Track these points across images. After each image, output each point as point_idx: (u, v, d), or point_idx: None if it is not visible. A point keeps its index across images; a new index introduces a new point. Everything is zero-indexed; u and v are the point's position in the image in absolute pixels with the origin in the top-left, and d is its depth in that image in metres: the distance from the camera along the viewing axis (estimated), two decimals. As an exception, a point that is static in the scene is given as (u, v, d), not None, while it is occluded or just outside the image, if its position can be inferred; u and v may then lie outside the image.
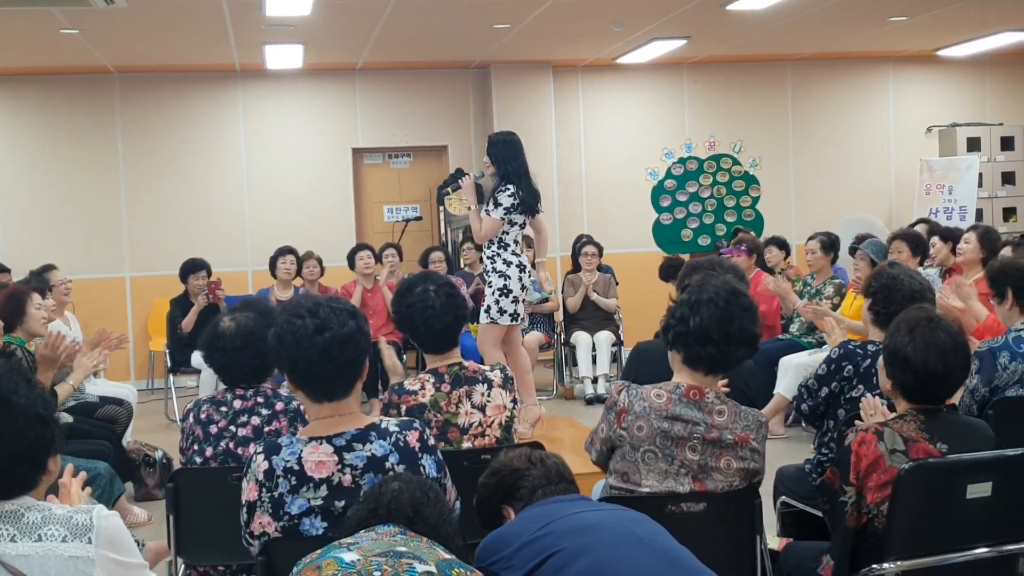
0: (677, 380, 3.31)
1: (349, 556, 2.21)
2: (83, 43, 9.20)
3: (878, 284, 4.25)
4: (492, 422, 3.84)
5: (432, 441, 3.02)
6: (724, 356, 3.27)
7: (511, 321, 6.68)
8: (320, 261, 9.51)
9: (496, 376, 3.89)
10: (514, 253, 6.63)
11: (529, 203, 6.56)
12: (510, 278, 6.60)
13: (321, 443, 2.85)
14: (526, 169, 6.61)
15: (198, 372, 8.83)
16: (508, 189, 6.50)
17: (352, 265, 9.43)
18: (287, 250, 9.31)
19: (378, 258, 9.65)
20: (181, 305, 9.09)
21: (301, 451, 2.85)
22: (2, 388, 2.30)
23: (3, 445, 2.27)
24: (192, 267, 9.15)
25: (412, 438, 2.93)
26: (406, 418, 3.12)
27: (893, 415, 3.38)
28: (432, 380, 3.81)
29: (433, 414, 3.75)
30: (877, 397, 3.71)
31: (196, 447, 3.75)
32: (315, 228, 11.10)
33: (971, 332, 5.33)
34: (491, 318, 6.66)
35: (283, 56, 10.23)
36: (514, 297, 6.61)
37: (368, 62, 10.96)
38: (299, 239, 10.08)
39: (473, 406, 3.81)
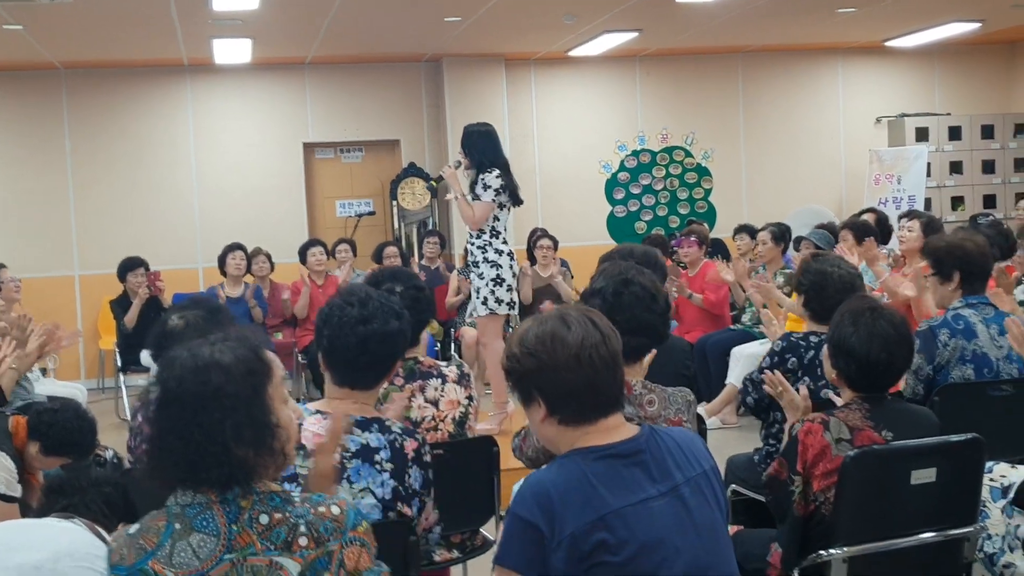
0: None
1: None
2: (28, 39, 9.07)
3: (808, 281, 4.29)
4: (445, 417, 3.85)
5: (428, 458, 3.02)
6: None
7: (508, 310, 6.73)
8: (269, 257, 9.45)
9: (451, 372, 3.91)
10: (504, 241, 6.67)
11: (512, 189, 6.59)
12: (502, 267, 6.65)
13: (325, 418, 2.89)
14: (505, 159, 6.65)
15: (148, 370, 8.73)
16: (493, 171, 6.53)
17: (304, 260, 9.37)
18: (236, 246, 9.24)
19: (331, 254, 9.61)
20: (121, 304, 9.01)
21: (304, 419, 2.90)
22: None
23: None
24: (129, 265, 9.06)
25: (409, 446, 2.97)
26: (412, 427, 3.16)
27: (835, 407, 3.42)
28: None
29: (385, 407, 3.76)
30: (779, 373, 3.71)
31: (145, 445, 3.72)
32: (266, 224, 11.00)
33: (923, 317, 5.39)
34: (490, 309, 6.69)
35: (231, 50, 10.14)
36: (508, 286, 6.66)
37: (318, 56, 10.89)
38: (250, 235, 9.99)
39: (426, 400, 3.83)
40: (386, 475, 2.89)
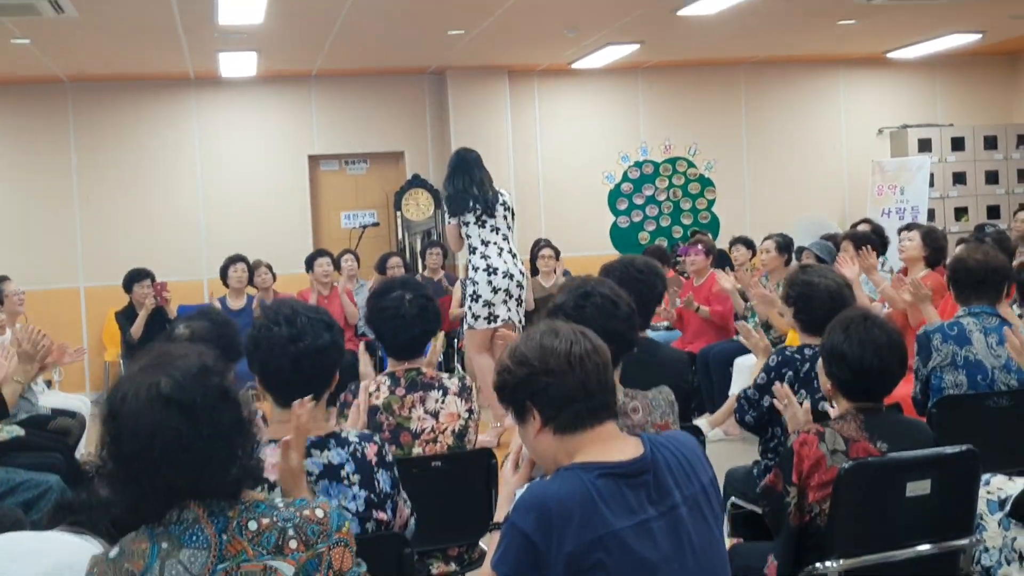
0: None
1: None
2: (35, 52, 9.12)
3: (795, 293, 4.29)
4: (445, 429, 3.86)
5: (390, 458, 3.01)
6: None
7: (487, 324, 6.89)
8: (271, 268, 9.46)
9: (453, 384, 3.92)
10: (483, 256, 6.83)
11: (463, 202, 6.86)
12: (478, 283, 6.88)
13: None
14: (469, 180, 6.91)
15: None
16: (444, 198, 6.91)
17: (310, 270, 9.42)
18: (237, 258, 9.25)
19: (336, 265, 9.65)
20: (127, 315, 9.03)
21: (259, 452, 2.86)
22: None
23: None
24: (136, 276, 9.08)
25: (370, 451, 2.94)
26: (367, 431, 3.11)
27: (831, 418, 3.44)
28: (388, 383, 3.84)
29: (385, 417, 3.78)
30: (786, 386, 3.73)
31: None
32: (272, 235, 11.04)
33: (918, 325, 5.42)
34: (468, 324, 6.98)
35: (237, 63, 10.19)
36: (485, 301, 6.85)
37: (323, 69, 10.94)
38: (255, 247, 10.04)
39: (426, 412, 3.83)
40: (356, 488, 2.87)
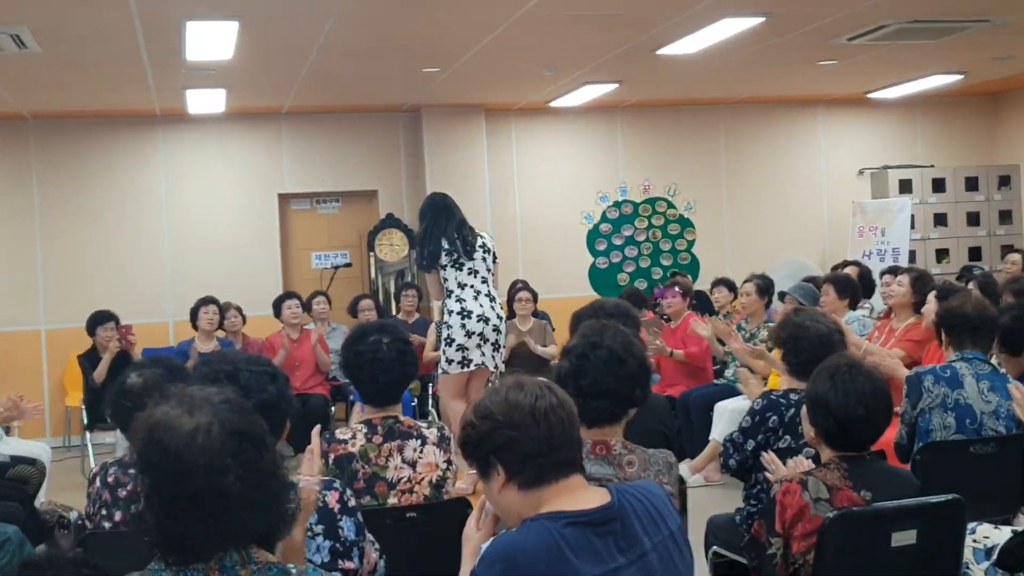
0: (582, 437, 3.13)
1: None
2: (-4, 88, 8.96)
3: (785, 334, 4.30)
4: (422, 479, 3.77)
5: (352, 503, 2.96)
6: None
7: (461, 368, 6.83)
8: (240, 310, 9.27)
9: (431, 434, 3.84)
10: (458, 300, 6.80)
11: (435, 255, 6.77)
12: (452, 327, 6.78)
13: None
14: (445, 226, 6.85)
15: (115, 428, 8.52)
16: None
17: (278, 314, 9.20)
18: (209, 300, 9.06)
19: (307, 307, 9.45)
20: (90, 359, 8.81)
21: None
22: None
23: None
24: (99, 319, 8.86)
25: (332, 499, 2.90)
26: (327, 478, 3.05)
27: (807, 469, 3.37)
28: (365, 431, 3.76)
29: (361, 465, 3.70)
30: (772, 453, 3.78)
31: (104, 512, 3.58)
32: (240, 276, 10.82)
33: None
34: (442, 369, 6.89)
35: (205, 100, 10.04)
36: (458, 345, 6.77)
37: (294, 105, 10.79)
38: (223, 288, 9.81)
39: (404, 461, 3.76)
40: (320, 538, 2.83)
